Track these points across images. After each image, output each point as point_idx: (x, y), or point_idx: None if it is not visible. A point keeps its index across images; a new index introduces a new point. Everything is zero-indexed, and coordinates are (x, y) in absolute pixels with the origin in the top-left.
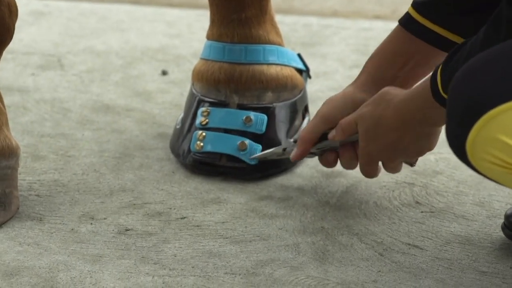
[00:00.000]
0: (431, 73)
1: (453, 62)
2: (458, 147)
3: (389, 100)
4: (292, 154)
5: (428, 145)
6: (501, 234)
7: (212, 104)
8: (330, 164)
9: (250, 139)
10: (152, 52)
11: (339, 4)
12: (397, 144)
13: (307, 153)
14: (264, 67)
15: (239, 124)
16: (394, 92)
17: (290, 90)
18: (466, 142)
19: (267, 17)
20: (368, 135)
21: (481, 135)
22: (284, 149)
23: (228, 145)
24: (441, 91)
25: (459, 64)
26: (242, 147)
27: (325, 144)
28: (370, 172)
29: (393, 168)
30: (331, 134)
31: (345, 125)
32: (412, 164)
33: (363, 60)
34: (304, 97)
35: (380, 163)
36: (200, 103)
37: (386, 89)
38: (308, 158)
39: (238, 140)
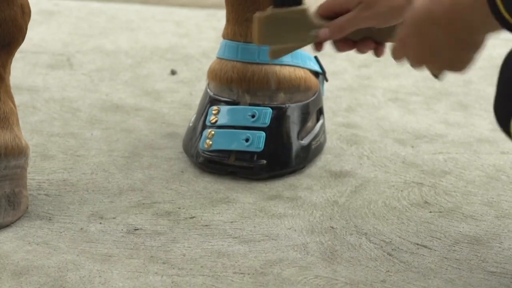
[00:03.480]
0: None
1: None
2: (502, 121)
3: None
4: (323, 33)
5: (461, 59)
6: (510, 234)
7: (223, 103)
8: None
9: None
10: (161, 52)
11: None
12: (436, 43)
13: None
14: (277, 68)
15: (246, 121)
16: None
17: (303, 92)
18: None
19: None
20: (412, 26)
21: None
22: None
23: (234, 141)
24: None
25: None
26: (247, 141)
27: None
28: (399, 57)
29: (417, 67)
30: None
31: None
32: (437, 75)
33: (371, 59)
34: (318, 100)
35: None
36: (212, 102)
37: None
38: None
39: (244, 135)
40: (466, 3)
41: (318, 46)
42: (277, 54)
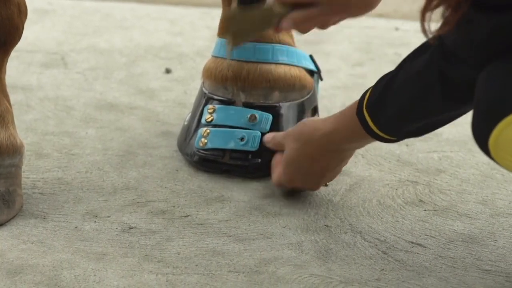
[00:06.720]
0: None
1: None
2: (481, 142)
3: (310, 134)
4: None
5: (346, 163)
6: (504, 232)
7: (218, 101)
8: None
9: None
10: (155, 50)
11: None
12: (323, 171)
13: None
14: (272, 66)
15: (244, 122)
16: (313, 125)
17: (298, 91)
18: (489, 139)
19: None
20: (293, 167)
21: (504, 135)
22: None
23: (230, 140)
24: (369, 123)
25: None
26: (242, 140)
27: None
28: (285, 186)
29: (313, 189)
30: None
31: (274, 144)
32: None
33: (366, 58)
34: (313, 98)
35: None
36: (207, 100)
37: (302, 123)
38: None
39: (240, 134)
40: (337, 138)
41: (277, 29)
42: (239, 41)
